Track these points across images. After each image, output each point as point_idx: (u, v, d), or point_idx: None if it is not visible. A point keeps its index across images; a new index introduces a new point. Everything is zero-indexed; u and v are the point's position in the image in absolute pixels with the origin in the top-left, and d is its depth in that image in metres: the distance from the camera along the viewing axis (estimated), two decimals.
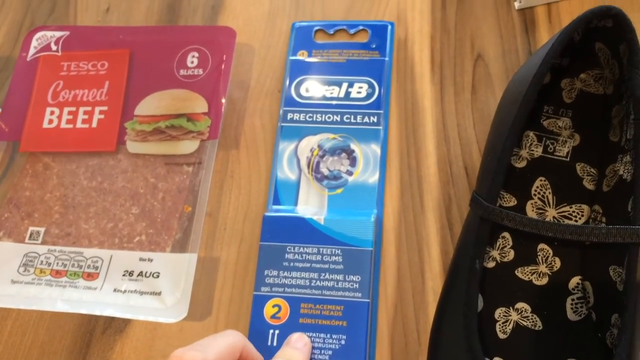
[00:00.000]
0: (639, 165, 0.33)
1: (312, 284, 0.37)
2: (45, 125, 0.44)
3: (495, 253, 0.37)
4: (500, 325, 0.35)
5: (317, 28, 0.46)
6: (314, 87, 0.43)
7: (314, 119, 0.42)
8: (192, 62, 0.44)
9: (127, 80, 0.44)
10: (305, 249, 0.37)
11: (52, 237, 0.40)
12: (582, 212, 0.37)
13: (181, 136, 0.42)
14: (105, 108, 0.43)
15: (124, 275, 0.38)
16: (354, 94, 0.42)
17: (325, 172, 0.40)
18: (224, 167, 0.43)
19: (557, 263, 0.36)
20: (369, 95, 0.42)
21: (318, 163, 0.41)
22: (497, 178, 0.35)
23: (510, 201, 0.38)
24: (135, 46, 0.45)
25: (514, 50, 0.44)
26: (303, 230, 0.38)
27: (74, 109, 0.44)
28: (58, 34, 0.47)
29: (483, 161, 0.38)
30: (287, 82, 0.43)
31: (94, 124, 0.43)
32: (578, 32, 0.38)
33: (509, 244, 0.37)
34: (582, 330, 0.35)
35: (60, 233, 0.40)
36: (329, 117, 0.42)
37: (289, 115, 0.42)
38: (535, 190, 0.38)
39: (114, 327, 0.40)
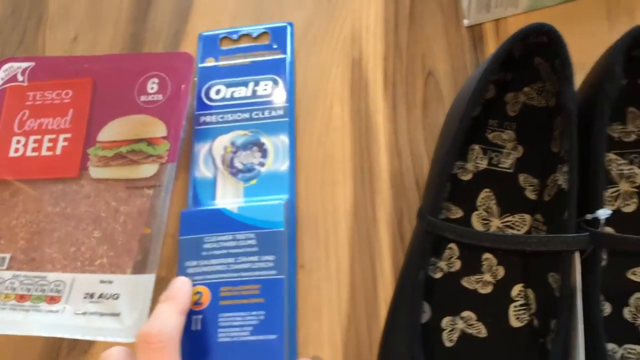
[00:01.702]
0: (572, 175, 0.35)
1: (230, 268, 0.39)
2: (12, 154, 0.45)
3: (442, 264, 0.38)
4: (446, 333, 0.37)
5: (222, 36, 0.49)
6: (222, 90, 0.46)
7: (225, 118, 0.45)
8: (152, 88, 0.45)
9: (90, 108, 0.46)
10: (221, 237, 0.40)
11: (17, 263, 0.41)
12: (525, 221, 0.39)
13: (141, 160, 0.43)
14: (69, 135, 0.45)
15: (84, 297, 0.39)
16: (260, 92, 0.46)
17: (240, 166, 0.43)
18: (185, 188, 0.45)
19: (501, 272, 0.38)
20: (273, 91, 0.46)
21: (232, 159, 0.44)
22: (439, 191, 0.37)
23: (457, 213, 0.39)
24: (98, 74, 0.47)
25: (463, 67, 0.46)
26: (218, 221, 0.40)
27: (39, 137, 0.45)
28: (24, 64, 0.49)
29: (428, 175, 0.39)
30: (197, 89, 0.47)
31: (58, 151, 0.45)
32: (518, 48, 0.40)
33: (455, 255, 0.38)
34: (525, 336, 0.36)
35: (25, 258, 0.41)
36: (238, 116, 0.45)
37: (202, 119, 0.45)
38: (481, 202, 0.40)
39: (79, 348, 0.41)
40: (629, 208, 0.38)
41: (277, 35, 0.49)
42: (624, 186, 0.38)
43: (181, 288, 0.38)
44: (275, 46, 0.48)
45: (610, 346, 0.35)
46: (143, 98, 0.45)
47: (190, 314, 0.38)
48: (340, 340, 0.39)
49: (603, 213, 0.33)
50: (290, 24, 0.49)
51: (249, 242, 0.40)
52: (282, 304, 0.38)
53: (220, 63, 0.48)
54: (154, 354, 0.32)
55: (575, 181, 0.34)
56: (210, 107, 0.46)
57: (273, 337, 0.37)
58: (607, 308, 0.36)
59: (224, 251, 0.40)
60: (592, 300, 0.33)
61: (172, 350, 0.33)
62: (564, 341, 0.32)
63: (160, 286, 0.41)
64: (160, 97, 0.45)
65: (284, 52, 0.48)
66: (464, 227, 0.38)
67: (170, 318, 0.35)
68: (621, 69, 0.35)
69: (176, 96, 0.45)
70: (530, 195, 0.39)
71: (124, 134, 0.44)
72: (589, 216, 0.34)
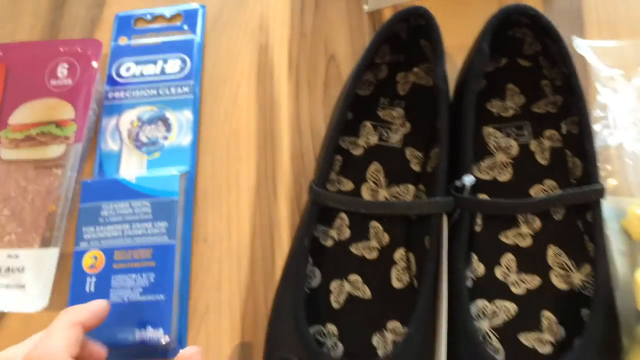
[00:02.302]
0: (443, 147, 0.38)
1: (125, 234, 0.41)
2: None
3: (333, 232, 0.41)
4: (334, 296, 0.39)
5: (137, 16, 0.51)
6: (132, 67, 0.48)
7: (133, 95, 0.47)
8: (62, 73, 0.47)
9: (3, 93, 0.47)
10: (118, 205, 0.42)
11: None
12: (408, 191, 0.41)
13: (50, 141, 0.45)
14: None
15: None
16: (168, 70, 0.48)
17: (144, 140, 0.45)
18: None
19: (386, 238, 0.40)
20: (181, 70, 0.48)
21: (138, 133, 0.46)
22: (325, 164, 0.39)
23: (348, 185, 0.42)
24: (11, 61, 0.48)
25: (363, 50, 0.48)
26: (116, 190, 0.43)
27: None
28: None
29: (319, 150, 0.42)
30: (109, 66, 0.49)
31: None
32: (403, 30, 0.42)
33: (345, 224, 0.41)
34: (405, 296, 0.38)
35: None
36: (146, 92, 0.47)
37: (110, 94, 0.48)
38: (370, 174, 0.42)
39: None
40: (504, 177, 0.41)
41: (189, 17, 0.51)
42: (500, 157, 0.41)
43: (89, 304, 0.35)
44: (185, 27, 0.50)
45: (482, 302, 0.38)
46: (53, 82, 0.47)
47: (85, 277, 0.40)
48: (239, 309, 0.41)
49: (468, 180, 0.36)
50: (203, 7, 0.51)
51: (144, 209, 0.42)
52: (172, 268, 0.40)
53: (133, 42, 0.50)
54: None
55: (445, 152, 0.37)
56: (120, 84, 0.48)
57: (161, 297, 0.39)
58: (481, 268, 0.38)
59: (120, 218, 0.42)
60: (457, 258, 0.36)
61: None
62: (427, 291, 0.35)
63: (64, 261, 0.43)
64: (69, 81, 0.46)
65: (194, 33, 0.50)
66: (344, 196, 0.40)
67: (57, 334, 0.32)
68: (488, 46, 0.38)
69: (84, 80, 0.46)
70: (415, 167, 0.42)
71: (34, 117, 0.46)
72: (457, 182, 0.37)
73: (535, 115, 0.42)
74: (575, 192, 0.36)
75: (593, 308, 0.34)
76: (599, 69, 0.39)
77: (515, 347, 0.36)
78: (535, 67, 0.42)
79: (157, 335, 0.39)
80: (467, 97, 0.38)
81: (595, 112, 0.39)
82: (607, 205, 0.38)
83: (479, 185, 0.40)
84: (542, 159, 0.41)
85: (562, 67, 0.39)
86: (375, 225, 0.41)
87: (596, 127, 0.39)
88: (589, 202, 0.36)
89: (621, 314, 0.35)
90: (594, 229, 0.35)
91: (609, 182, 0.39)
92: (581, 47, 0.40)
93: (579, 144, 0.38)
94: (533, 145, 0.41)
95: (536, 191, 0.40)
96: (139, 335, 0.39)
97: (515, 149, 0.41)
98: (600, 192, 0.36)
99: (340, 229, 0.41)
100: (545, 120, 0.41)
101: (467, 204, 0.36)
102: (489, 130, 0.42)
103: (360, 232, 0.41)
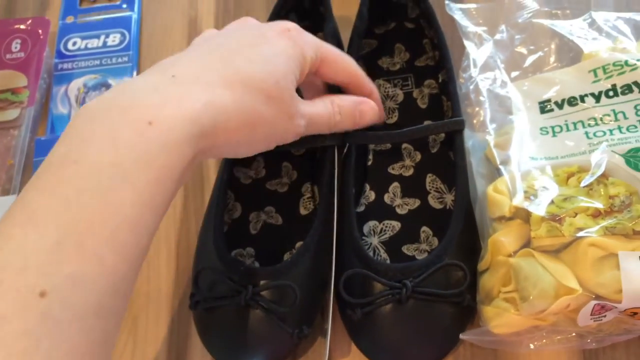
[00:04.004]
0: None
1: None
2: None
3: (251, 172, 0.48)
4: (252, 224, 0.47)
5: None
6: (78, 42, 0.56)
7: (79, 65, 0.55)
8: (16, 48, 0.54)
9: None
10: None
11: None
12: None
13: (7, 107, 0.52)
14: None
15: None
16: (109, 43, 0.56)
17: None
18: None
19: (295, 174, 0.48)
20: (120, 42, 0.56)
21: (84, 98, 0.53)
22: None
23: None
24: None
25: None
26: None
27: None
28: None
29: None
30: (57, 41, 0.56)
31: None
32: (307, 1, 0.50)
33: (261, 165, 0.49)
34: (309, 221, 0.46)
35: None
36: (90, 62, 0.55)
37: (60, 66, 0.55)
38: None
39: None
40: (391, 120, 0.49)
41: None
42: (389, 104, 0.49)
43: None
44: (124, 6, 0.58)
45: (373, 222, 0.46)
46: (8, 56, 0.54)
47: None
48: (174, 239, 0.49)
49: None
50: None
51: None
52: None
53: (78, 20, 0.58)
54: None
55: None
56: (67, 56, 0.55)
57: None
58: (372, 195, 0.46)
59: None
60: (346, 183, 0.44)
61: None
62: (324, 214, 0.43)
63: None
64: (22, 54, 0.53)
65: (132, 10, 0.58)
66: None
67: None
68: (367, 10, 0.46)
69: (35, 53, 0.53)
70: None
71: None
72: None
73: (417, 68, 0.50)
74: (438, 123, 0.44)
75: (453, 216, 0.42)
76: (466, 26, 0.47)
77: (398, 255, 0.44)
78: (417, 28, 0.50)
79: None
80: (351, 53, 0.46)
81: (464, 63, 0.47)
82: (474, 139, 0.46)
83: (371, 127, 0.48)
84: (422, 104, 0.49)
85: (434, 26, 0.47)
86: (286, 164, 0.48)
87: (465, 75, 0.47)
88: (452, 131, 0.44)
89: (479, 223, 0.43)
90: (456, 155, 0.44)
91: (476, 120, 0.47)
92: (453, 9, 0.48)
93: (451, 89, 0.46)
94: (415, 93, 0.49)
95: None
96: None
97: (400, 97, 0.49)
98: (459, 123, 0.44)
99: (257, 169, 0.49)
100: (425, 72, 0.50)
101: (352, 137, 0.44)
102: (379, 82, 0.50)
103: (273, 171, 0.48)
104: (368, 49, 0.51)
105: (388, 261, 0.44)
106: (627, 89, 0.41)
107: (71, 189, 0.27)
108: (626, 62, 0.42)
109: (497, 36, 0.47)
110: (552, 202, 0.38)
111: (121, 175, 0.28)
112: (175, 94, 0.31)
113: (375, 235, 0.45)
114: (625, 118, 0.40)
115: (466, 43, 0.47)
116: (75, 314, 0.26)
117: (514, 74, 0.46)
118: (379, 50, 0.51)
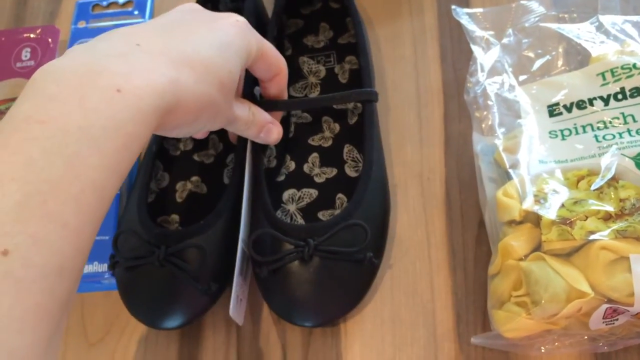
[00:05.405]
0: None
1: None
2: None
3: (180, 145, 0.50)
4: (179, 193, 0.48)
5: (94, 3, 0.59)
6: None
7: None
8: (26, 56, 0.55)
9: None
10: None
11: None
12: None
13: None
14: None
15: None
16: None
17: None
18: None
19: (221, 146, 0.50)
20: None
21: None
22: None
23: None
24: None
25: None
26: None
27: None
28: None
29: None
30: (69, 45, 0.57)
31: None
32: None
33: (190, 137, 0.50)
34: (232, 188, 0.46)
35: None
36: None
37: None
38: None
39: None
40: (314, 94, 0.51)
41: (139, 3, 0.59)
42: (312, 79, 0.51)
43: None
44: (136, 12, 0.59)
45: (292, 190, 0.47)
46: (18, 65, 0.54)
47: None
48: None
49: (256, 90, 0.45)
50: None
51: None
52: (116, 212, 0.48)
53: (90, 25, 0.58)
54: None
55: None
56: None
57: (106, 237, 0.47)
58: (292, 165, 0.48)
59: None
60: (258, 153, 0.46)
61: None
62: (237, 181, 0.45)
63: None
64: (32, 62, 0.54)
65: (143, 17, 0.59)
66: None
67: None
68: None
69: (45, 61, 0.54)
70: None
71: (3, 95, 0.53)
72: (255, 92, 0.46)
73: (340, 45, 0.52)
74: (344, 93, 0.46)
75: (360, 181, 0.43)
76: (473, 30, 0.47)
77: (314, 221, 0.45)
78: (342, 7, 0.52)
79: None
80: (270, 34, 0.48)
81: (471, 67, 0.47)
82: (483, 143, 0.46)
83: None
84: (343, 79, 0.51)
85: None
86: (213, 137, 0.50)
87: (473, 79, 0.47)
88: (362, 101, 0.46)
89: (489, 227, 0.43)
90: (365, 124, 0.46)
91: (485, 124, 0.47)
92: (459, 14, 0.48)
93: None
94: (337, 69, 0.51)
95: None
96: None
97: (323, 73, 0.51)
98: (367, 94, 0.46)
99: (186, 142, 0.50)
100: (346, 49, 0.52)
101: (264, 105, 0.44)
102: (304, 59, 0.52)
103: (201, 143, 0.50)
104: (294, 28, 0.53)
105: (304, 224, 0.45)
106: (636, 91, 0.41)
107: (36, 148, 0.27)
108: (634, 65, 0.42)
109: (505, 40, 0.48)
110: (563, 205, 0.38)
111: (88, 140, 0.28)
112: (142, 64, 0.31)
113: (294, 203, 0.46)
114: (635, 121, 0.40)
115: (473, 47, 0.47)
116: (37, 273, 0.26)
117: (522, 77, 0.46)
118: (305, 29, 0.53)
